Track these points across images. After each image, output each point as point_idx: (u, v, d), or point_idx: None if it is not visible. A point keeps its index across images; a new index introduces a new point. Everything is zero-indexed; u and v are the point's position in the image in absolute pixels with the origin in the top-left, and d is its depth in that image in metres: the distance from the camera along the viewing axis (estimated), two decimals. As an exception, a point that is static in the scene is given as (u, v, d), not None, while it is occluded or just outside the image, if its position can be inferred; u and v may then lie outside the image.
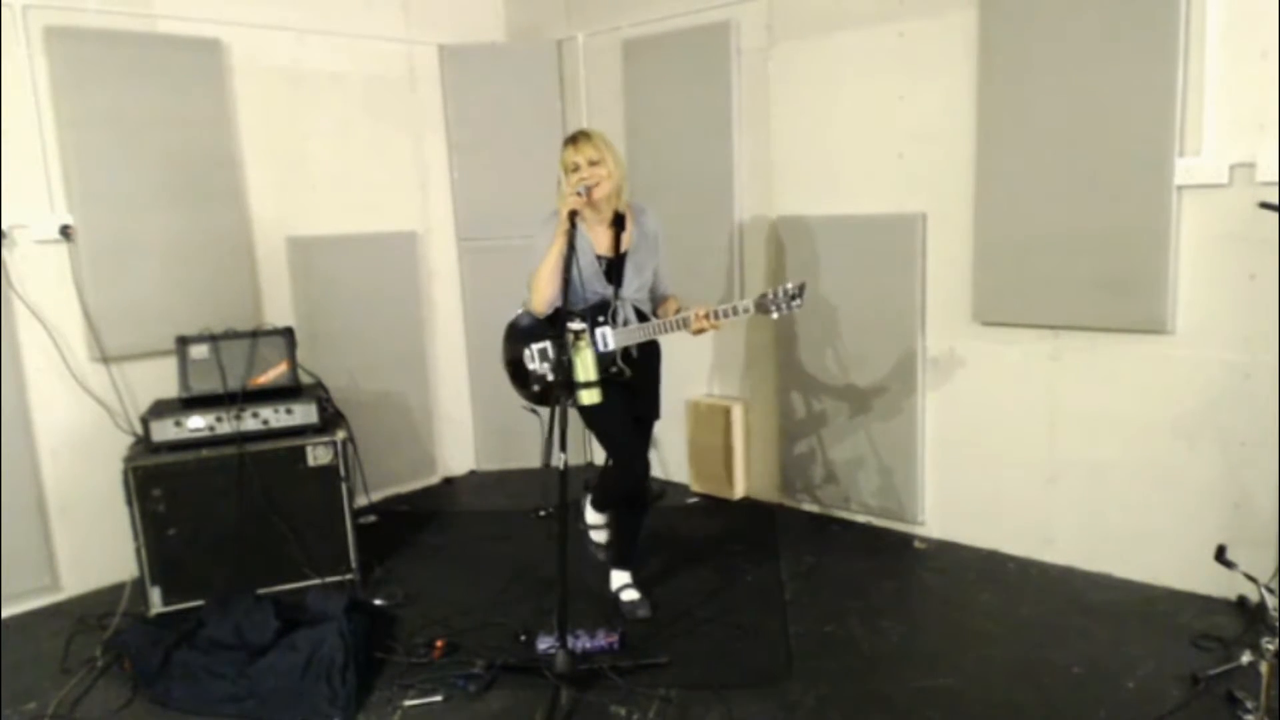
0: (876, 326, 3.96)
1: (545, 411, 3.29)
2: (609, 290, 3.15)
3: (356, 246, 4.63)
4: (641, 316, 3.20)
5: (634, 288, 3.18)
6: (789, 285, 3.01)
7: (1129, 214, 3.23)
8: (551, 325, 3.17)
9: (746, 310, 3.04)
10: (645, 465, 3.34)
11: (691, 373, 4.73)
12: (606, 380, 2.91)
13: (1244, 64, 3.00)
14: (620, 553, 3.51)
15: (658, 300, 3.31)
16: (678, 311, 3.14)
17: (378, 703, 2.88)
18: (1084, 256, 3.35)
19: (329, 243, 4.51)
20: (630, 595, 3.43)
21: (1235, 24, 3.00)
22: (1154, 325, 3.26)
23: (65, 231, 3.68)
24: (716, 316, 3.01)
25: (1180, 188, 3.14)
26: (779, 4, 4.08)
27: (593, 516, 3.50)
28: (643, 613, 3.37)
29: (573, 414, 2.85)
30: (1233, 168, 3.05)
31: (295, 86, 4.37)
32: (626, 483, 3.32)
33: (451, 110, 4.95)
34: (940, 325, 3.83)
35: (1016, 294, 3.56)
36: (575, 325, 2.88)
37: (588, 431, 4.53)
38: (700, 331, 3.06)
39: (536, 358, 3.28)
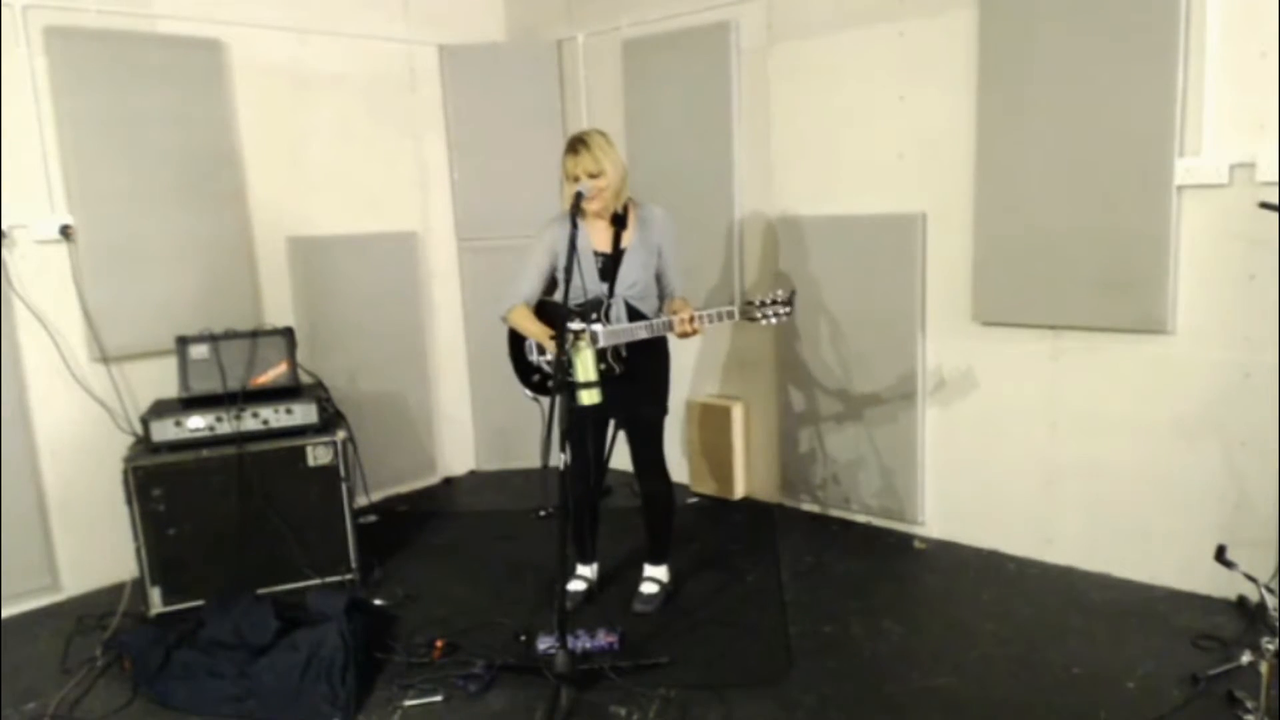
0: (876, 326, 3.96)
1: (547, 401, 3.30)
2: (603, 288, 3.15)
3: (356, 246, 4.63)
4: (638, 316, 3.18)
5: (628, 285, 3.17)
6: (779, 293, 2.99)
7: (1129, 214, 3.23)
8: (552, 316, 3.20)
9: (731, 316, 3.04)
10: (657, 462, 3.39)
11: (692, 372, 4.73)
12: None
13: (1244, 64, 3.00)
14: (648, 545, 3.55)
15: (665, 301, 3.31)
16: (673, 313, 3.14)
17: (378, 703, 2.88)
18: (1084, 256, 3.35)
19: (329, 243, 4.51)
20: (641, 588, 3.47)
21: (1235, 24, 3.00)
22: (1154, 325, 3.26)
23: (65, 231, 3.68)
24: (701, 321, 3.01)
25: (1180, 188, 3.14)
26: (779, 4, 4.08)
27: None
28: (638, 607, 3.40)
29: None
30: (1233, 168, 3.04)
31: (295, 86, 4.37)
32: (576, 488, 3.26)
33: (451, 110, 4.94)
34: (940, 325, 3.83)
35: (1016, 294, 3.55)
36: (575, 325, 2.88)
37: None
38: (685, 335, 3.06)
39: (535, 349, 3.29)
